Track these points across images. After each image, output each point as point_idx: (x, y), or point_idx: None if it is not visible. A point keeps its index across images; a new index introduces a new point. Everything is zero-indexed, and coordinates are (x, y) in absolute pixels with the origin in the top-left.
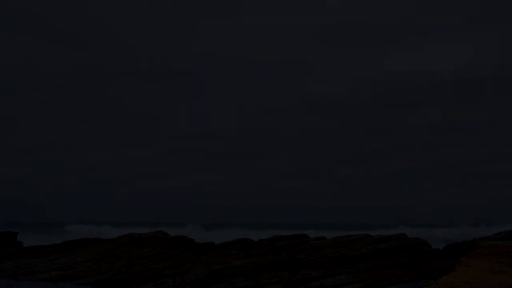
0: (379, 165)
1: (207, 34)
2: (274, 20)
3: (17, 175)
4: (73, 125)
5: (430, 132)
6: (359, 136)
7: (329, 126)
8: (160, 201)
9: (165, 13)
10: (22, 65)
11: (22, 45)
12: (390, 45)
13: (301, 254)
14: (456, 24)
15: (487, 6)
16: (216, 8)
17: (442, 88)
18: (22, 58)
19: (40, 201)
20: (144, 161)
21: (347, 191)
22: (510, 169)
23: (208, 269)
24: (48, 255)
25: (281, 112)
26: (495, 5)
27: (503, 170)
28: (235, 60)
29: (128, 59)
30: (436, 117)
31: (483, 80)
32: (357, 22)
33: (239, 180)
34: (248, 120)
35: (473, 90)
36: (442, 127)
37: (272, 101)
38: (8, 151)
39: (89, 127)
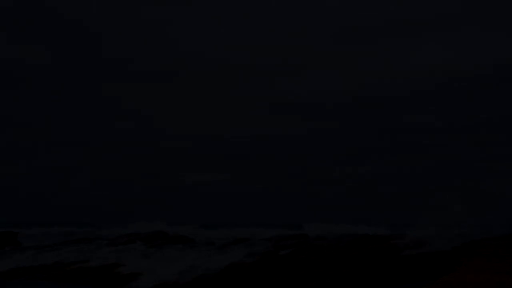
0: (383, 164)
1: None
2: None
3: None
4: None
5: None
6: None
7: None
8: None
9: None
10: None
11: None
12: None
13: (301, 254)
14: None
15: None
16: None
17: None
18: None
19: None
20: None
21: (350, 191)
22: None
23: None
24: (48, 255)
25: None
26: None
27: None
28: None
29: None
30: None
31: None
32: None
33: (240, 180)
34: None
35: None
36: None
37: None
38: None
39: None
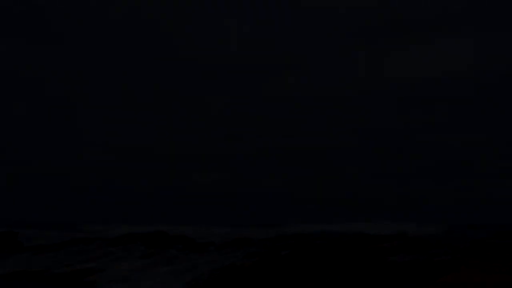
0: (383, 164)
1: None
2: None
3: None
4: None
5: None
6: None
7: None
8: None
9: None
10: None
11: None
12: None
13: (301, 254)
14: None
15: None
16: None
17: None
18: None
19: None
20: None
21: (350, 190)
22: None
23: (208, 269)
24: (48, 255)
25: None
26: None
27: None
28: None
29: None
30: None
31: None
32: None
33: (239, 180)
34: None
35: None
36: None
37: None
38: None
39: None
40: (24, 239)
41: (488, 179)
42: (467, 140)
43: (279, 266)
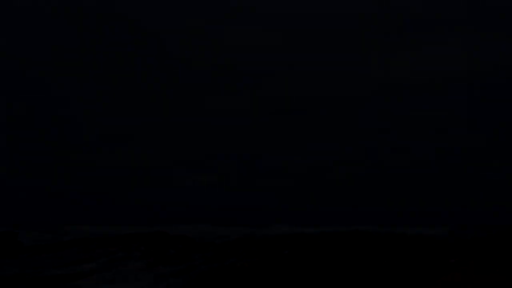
0: (382, 164)
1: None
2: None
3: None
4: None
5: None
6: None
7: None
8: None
9: None
10: None
11: None
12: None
13: (303, 254)
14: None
15: None
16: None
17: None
18: None
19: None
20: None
21: (350, 190)
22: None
23: (208, 269)
24: (48, 255)
25: None
26: None
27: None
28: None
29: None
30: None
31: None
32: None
33: (239, 181)
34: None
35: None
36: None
37: None
38: None
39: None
40: (24, 239)
41: (489, 179)
42: (468, 140)
43: (279, 266)
